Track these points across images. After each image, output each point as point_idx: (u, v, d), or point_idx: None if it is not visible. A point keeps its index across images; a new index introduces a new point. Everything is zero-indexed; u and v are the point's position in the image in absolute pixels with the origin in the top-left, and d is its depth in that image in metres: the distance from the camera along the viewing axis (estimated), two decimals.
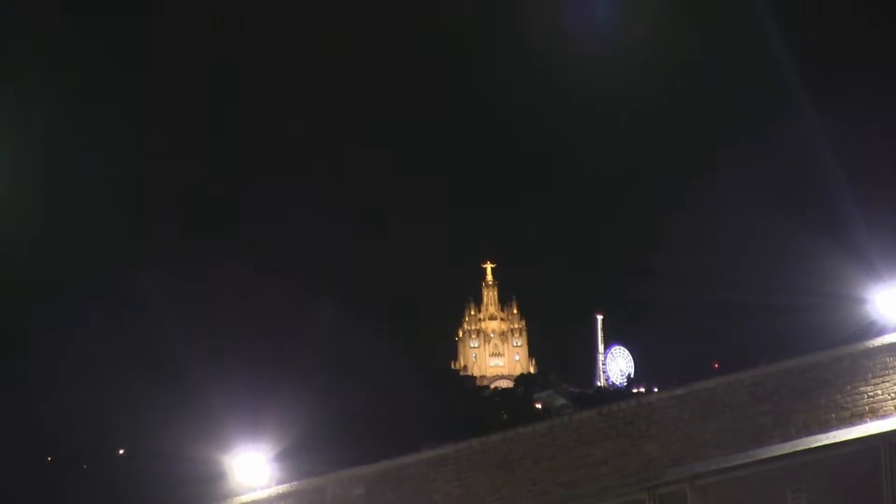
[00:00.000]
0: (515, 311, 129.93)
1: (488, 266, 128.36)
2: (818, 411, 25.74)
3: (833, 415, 25.65)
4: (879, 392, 25.55)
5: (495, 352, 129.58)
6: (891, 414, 25.16)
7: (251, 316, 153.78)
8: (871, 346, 25.60)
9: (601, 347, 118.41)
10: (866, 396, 25.57)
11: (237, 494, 33.30)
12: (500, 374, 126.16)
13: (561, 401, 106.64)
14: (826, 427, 25.74)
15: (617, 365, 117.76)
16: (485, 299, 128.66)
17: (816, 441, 26.10)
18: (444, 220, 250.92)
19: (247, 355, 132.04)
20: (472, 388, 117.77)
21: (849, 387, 25.61)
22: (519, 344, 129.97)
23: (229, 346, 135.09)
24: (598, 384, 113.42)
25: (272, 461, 34.06)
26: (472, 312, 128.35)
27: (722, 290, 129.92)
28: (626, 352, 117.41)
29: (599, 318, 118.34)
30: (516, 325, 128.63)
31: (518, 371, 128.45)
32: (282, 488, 32.54)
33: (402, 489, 30.64)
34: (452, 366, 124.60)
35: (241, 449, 34.12)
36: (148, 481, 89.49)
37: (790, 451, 26.26)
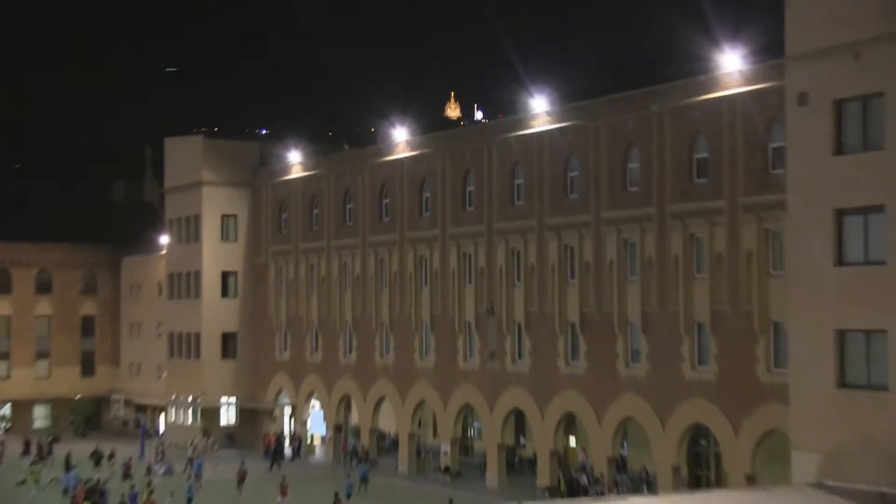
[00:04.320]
0: (457, 102, 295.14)
1: (452, 94, 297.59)
2: None
3: None
4: None
5: (453, 107, 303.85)
6: None
7: None
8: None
9: (478, 111, 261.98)
10: None
11: None
12: (454, 116, 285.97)
13: (468, 121, 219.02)
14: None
15: (479, 115, 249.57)
16: (451, 99, 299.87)
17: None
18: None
19: None
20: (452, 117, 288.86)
21: None
22: (458, 109, 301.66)
23: None
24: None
25: None
26: (448, 103, 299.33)
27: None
28: (480, 112, 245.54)
29: (452, 92, 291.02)
30: (460, 111, 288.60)
31: (457, 115, 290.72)
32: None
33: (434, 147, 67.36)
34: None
35: None
36: None
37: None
